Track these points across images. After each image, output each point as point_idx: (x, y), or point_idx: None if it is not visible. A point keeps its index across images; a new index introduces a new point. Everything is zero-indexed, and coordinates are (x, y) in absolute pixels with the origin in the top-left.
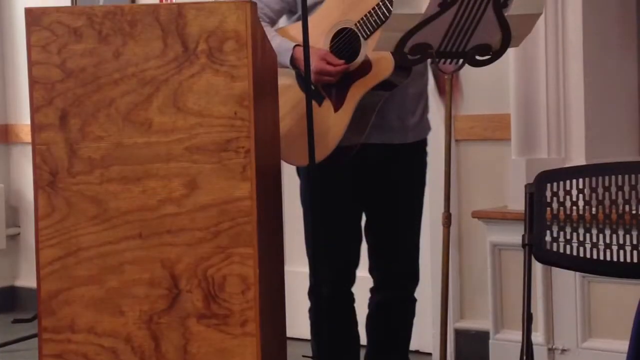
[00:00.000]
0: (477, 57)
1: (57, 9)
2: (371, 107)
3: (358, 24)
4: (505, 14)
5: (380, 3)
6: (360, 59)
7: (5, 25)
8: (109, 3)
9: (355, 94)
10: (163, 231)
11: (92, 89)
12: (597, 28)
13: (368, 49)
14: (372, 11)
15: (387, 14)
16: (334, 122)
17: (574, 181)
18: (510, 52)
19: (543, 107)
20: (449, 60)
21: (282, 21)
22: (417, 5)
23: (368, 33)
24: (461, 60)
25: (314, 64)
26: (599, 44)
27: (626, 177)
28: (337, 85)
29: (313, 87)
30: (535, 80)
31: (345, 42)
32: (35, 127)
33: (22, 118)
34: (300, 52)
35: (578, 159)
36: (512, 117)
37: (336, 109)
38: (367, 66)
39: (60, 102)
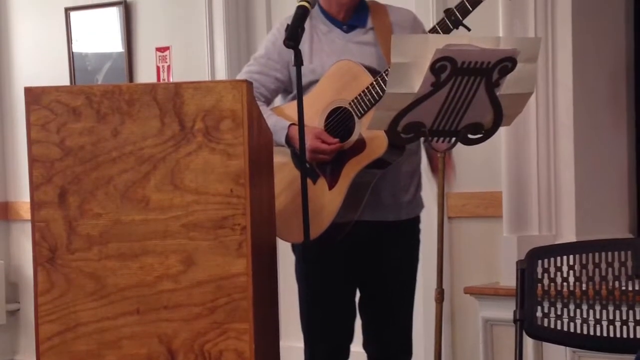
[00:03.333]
0: (470, 136)
1: (56, 88)
2: (365, 185)
3: (352, 103)
4: (497, 94)
5: (374, 82)
6: (354, 137)
7: (5, 103)
8: (107, 82)
9: (350, 172)
10: (160, 307)
11: (91, 167)
12: (587, 108)
13: (362, 128)
14: (365, 90)
15: (381, 94)
16: (328, 200)
17: (565, 258)
18: (502, 130)
19: (534, 186)
20: (441, 139)
21: (278, 100)
22: (410, 84)
23: (362, 112)
24: (454, 139)
25: (309, 142)
26: (590, 123)
27: (616, 253)
28: (332, 164)
29: (308, 165)
30: (526, 159)
31: (339, 120)
32: (35, 205)
33: (22, 195)
34: (295, 130)
35: (568, 236)
36: (504, 195)
37: (330, 187)
38: (361, 145)
39: (59, 180)
